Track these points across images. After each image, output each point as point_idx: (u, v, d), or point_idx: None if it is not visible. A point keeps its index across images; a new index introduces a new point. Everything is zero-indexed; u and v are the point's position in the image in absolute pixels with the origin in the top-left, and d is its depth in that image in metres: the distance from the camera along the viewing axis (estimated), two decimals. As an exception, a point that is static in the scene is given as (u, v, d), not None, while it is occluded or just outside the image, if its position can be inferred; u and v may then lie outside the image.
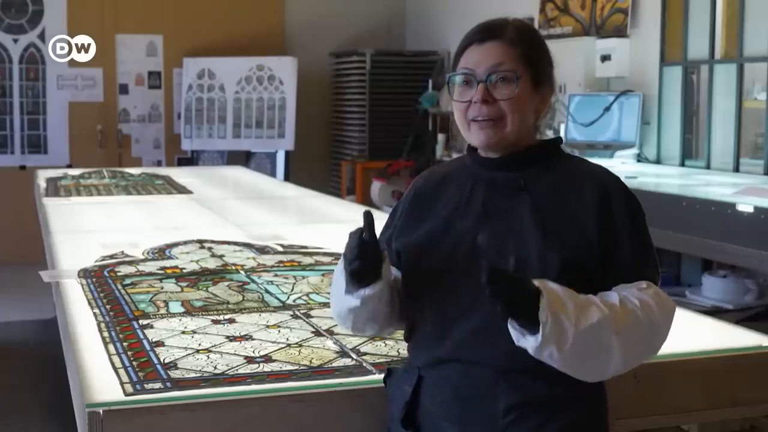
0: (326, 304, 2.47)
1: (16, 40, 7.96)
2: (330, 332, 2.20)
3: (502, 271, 1.46)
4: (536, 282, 1.49)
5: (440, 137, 7.16)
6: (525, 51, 1.66)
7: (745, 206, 3.56)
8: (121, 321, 2.32)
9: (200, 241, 3.44)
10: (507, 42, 1.65)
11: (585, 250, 1.60)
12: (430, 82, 7.61)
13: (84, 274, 2.87)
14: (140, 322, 2.31)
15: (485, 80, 1.64)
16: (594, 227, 1.60)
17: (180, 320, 2.33)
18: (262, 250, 3.29)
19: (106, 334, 2.20)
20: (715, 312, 3.81)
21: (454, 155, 5.98)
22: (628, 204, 1.65)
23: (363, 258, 1.64)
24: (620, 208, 1.63)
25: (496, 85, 1.64)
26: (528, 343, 1.49)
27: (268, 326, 2.28)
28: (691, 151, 5.26)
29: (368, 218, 1.64)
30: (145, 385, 1.82)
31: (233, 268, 2.98)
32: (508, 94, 1.64)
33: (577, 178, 1.67)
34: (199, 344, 2.11)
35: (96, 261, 3.07)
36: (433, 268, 1.67)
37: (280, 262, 3.09)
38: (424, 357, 1.69)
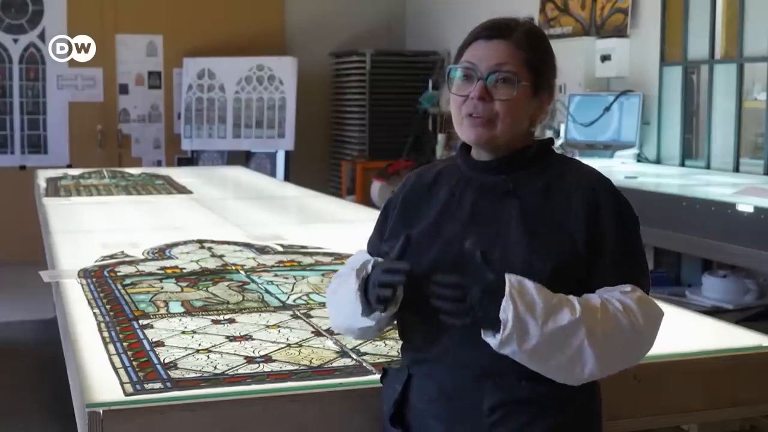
0: (326, 304, 2.47)
1: (16, 40, 7.96)
2: (330, 332, 2.20)
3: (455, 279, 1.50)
4: (509, 277, 1.50)
5: (440, 137, 7.17)
6: (530, 56, 1.64)
7: (745, 206, 3.56)
8: (121, 321, 2.32)
9: (200, 241, 3.44)
10: (514, 43, 1.63)
11: (571, 259, 1.58)
12: (430, 82, 7.61)
13: (84, 274, 2.87)
14: (140, 322, 2.31)
15: (485, 78, 1.63)
16: (581, 236, 1.59)
17: (180, 320, 2.33)
18: (262, 250, 3.29)
19: (106, 334, 2.20)
20: (715, 312, 3.80)
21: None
22: (617, 209, 1.63)
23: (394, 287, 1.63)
24: (608, 215, 1.61)
25: (495, 85, 1.63)
26: (490, 339, 1.51)
27: (268, 326, 2.28)
28: (691, 151, 5.26)
29: (407, 242, 1.64)
30: (145, 385, 1.82)
31: (233, 268, 2.98)
32: (506, 95, 1.62)
33: (568, 183, 1.65)
34: (199, 344, 2.11)
35: (96, 261, 3.07)
36: (422, 272, 1.66)
37: (280, 262, 3.09)
38: (412, 357, 1.70)
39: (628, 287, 1.58)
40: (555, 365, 1.52)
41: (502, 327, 1.48)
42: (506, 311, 1.48)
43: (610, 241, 1.60)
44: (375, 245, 1.81)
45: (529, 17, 6.28)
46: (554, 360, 1.51)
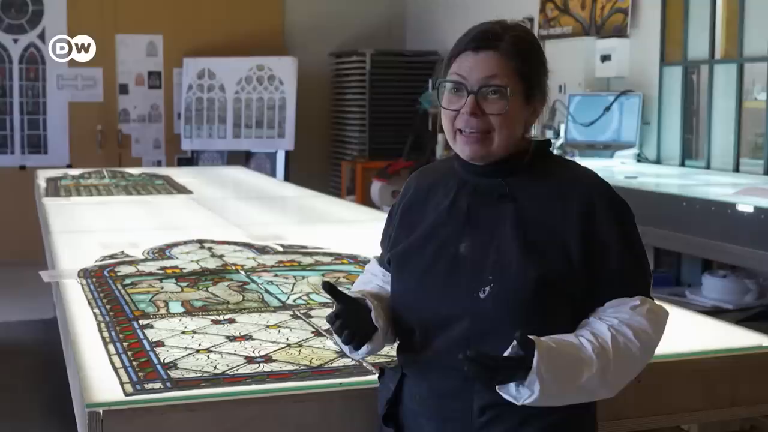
0: (326, 304, 2.48)
1: (16, 40, 7.96)
2: (330, 332, 2.20)
3: (482, 358, 1.46)
4: (538, 352, 1.46)
5: (440, 137, 7.15)
6: (520, 65, 1.60)
7: (745, 206, 3.57)
8: (121, 321, 2.32)
9: (200, 241, 3.44)
10: (502, 54, 1.60)
11: (565, 266, 1.57)
12: (430, 82, 7.61)
13: (84, 274, 2.87)
14: (140, 322, 2.31)
15: (476, 92, 1.60)
16: (576, 243, 1.57)
17: (180, 320, 2.33)
18: (262, 250, 3.29)
19: (106, 334, 2.20)
20: (715, 312, 3.81)
21: (454, 155, 5.96)
22: (615, 213, 1.61)
23: (348, 327, 1.64)
24: (605, 220, 1.59)
25: (486, 98, 1.60)
26: (508, 394, 1.50)
27: (268, 326, 2.28)
28: (691, 151, 5.26)
29: (330, 289, 1.64)
30: (145, 385, 1.82)
31: (233, 268, 2.98)
32: (498, 109, 1.59)
33: (564, 187, 1.63)
34: (199, 344, 2.11)
35: (96, 261, 3.07)
36: (416, 275, 1.67)
37: (280, 262, 3.09)
38: (406, 357, 1.71)
39: (637, 300, 1.58)
40: (566, 403, 1.55)
41: (525, 395, 1.48)
42: (533, 387, 1.47)
43: (611, 249, 1.59)
44: (381, 255, 1.83)
45: (529, 17, 6.28)
46: (566, 401, 1.54)
